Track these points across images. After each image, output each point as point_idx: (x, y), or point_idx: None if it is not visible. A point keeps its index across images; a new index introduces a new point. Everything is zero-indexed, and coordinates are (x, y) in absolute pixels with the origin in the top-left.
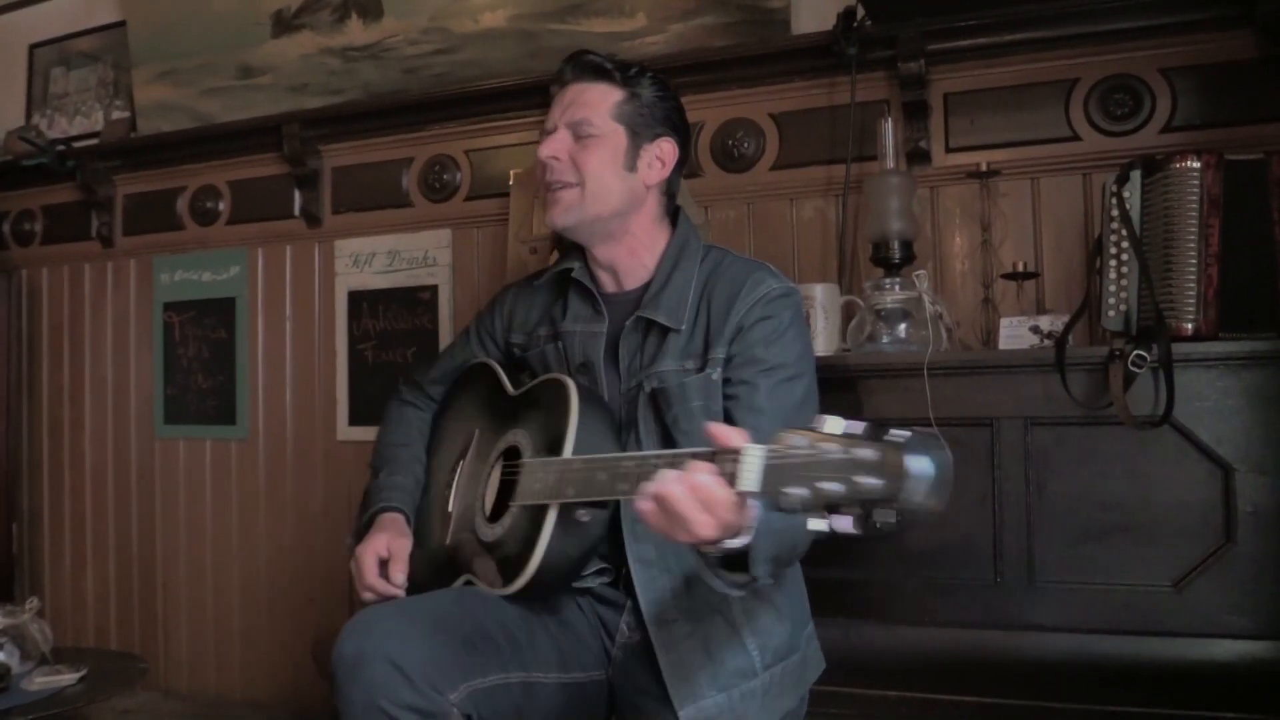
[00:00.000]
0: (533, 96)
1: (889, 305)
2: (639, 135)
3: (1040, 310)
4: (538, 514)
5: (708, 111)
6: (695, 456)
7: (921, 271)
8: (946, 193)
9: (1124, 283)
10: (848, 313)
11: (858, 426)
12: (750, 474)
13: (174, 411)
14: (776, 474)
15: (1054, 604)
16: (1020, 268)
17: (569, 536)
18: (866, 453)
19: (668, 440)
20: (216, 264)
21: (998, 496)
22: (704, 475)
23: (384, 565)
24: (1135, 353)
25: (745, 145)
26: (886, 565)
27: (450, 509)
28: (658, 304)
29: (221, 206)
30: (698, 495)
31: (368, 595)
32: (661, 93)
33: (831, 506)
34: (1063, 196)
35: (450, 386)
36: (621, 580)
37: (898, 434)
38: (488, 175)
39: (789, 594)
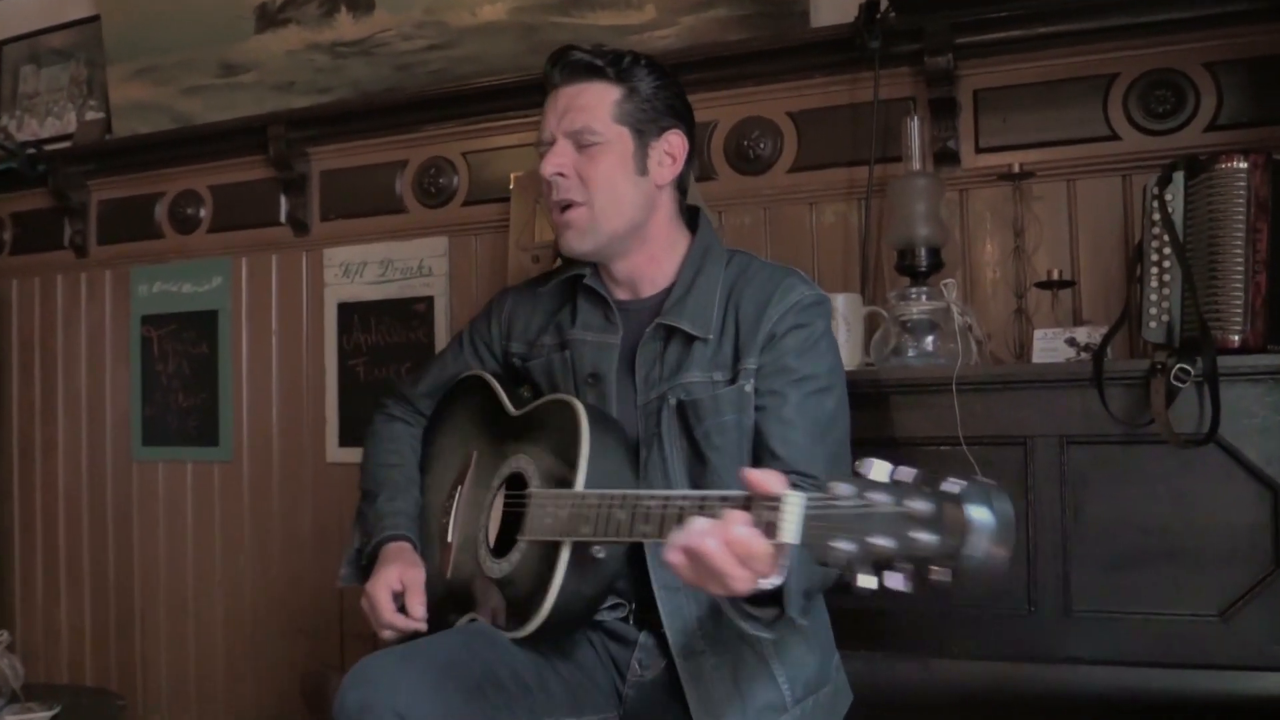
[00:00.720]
0: (534, 95)
1: (915, 316)
2: (644, 133)
3: (1077, 321)
4: (549, 550)
5: (721, 110)
6: (728, 502)
7: (950, 280)
8: (976, 196)
9: (1166, 291)
10: (871, 324)
11: (907, 474)
12: (790, 524)
13: (153, 432)
14: (820, 526)
15: (1091, 635)
16: (1055, 276)
17: (584, 575)
18: (921, 505)
19: (696, 456)
20: (197, 274)
21: (1031, 520)
22: (741, 528)
23: (398, 597)
24: (1178, 366)
25: (761, 146)
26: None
27: (450, 538)
28: (681, 311)
29: (203, 213)
30: (734, 550)
31: (387, 634)
32: (660, 81)
33: (882, 563)
34: (1101, 199)
35: (441, 400)
36: (634, 614)
37: (952, 484)
38: (487, 179)
39: (816, 621)
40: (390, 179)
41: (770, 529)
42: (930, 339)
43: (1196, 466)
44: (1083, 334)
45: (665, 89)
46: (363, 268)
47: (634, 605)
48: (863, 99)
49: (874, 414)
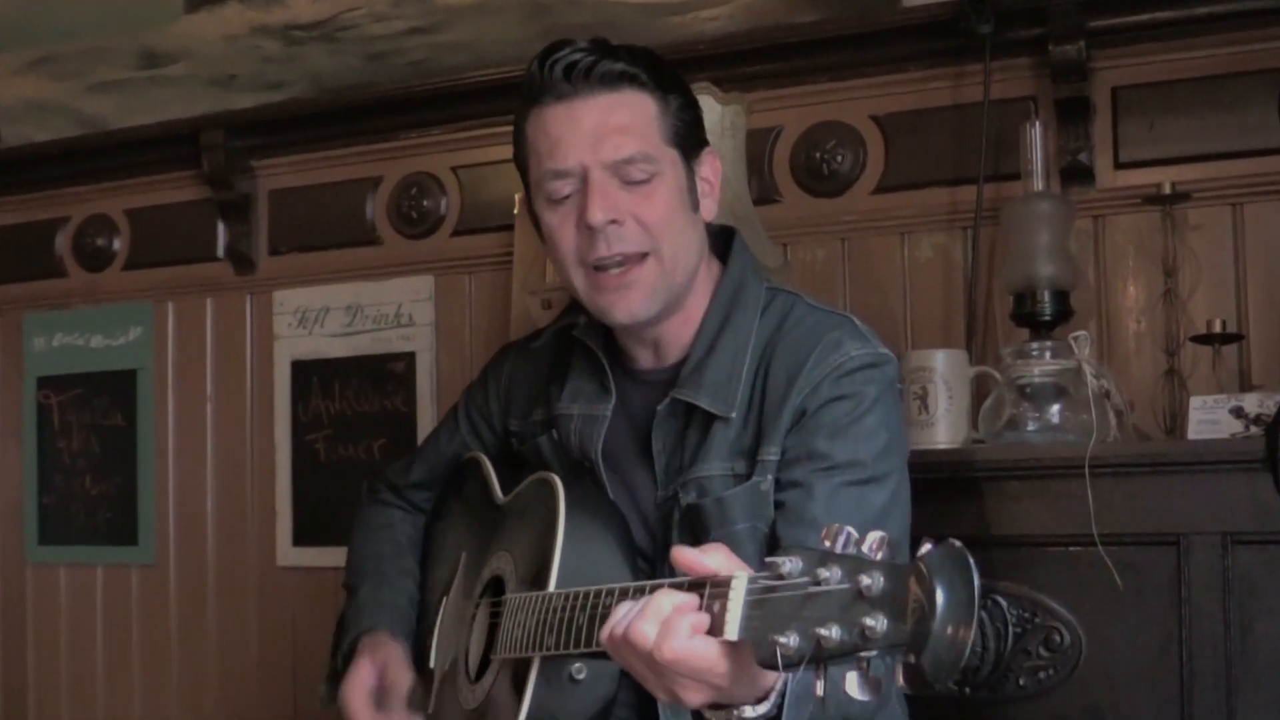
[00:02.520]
0: None
1: (1036, 379)
2: (690, 157)
3: (1244, 386)
4: (521, 670)
5: (788, 113)
6: (679, 588)
7: (1081, 333)
8: (1116, 224)
9: None
10: (980, 389)
11: (877, 538)
12: (733, 615)
13: (53, 527)
14: (765, 615)
15: None
16: (1218, 328)
17: (562, 700)
18: (870, 579)
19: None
20: (111, 324)
21: (1186, 640)
22: (685, 619)
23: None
24: None
25: (839, 159)
26: None
27: (432, 664)
28: (699, 380)
29: (117, 245)
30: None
31: None
32: (686, 87)
33: (835, 659)
34: (1276, 229)
35: (442, 491)
36: None
37: (925, 550)
38: (483, 201)
39: None
40: (359, 201)
41: (718, 622)
42: (1056, 408)
43: None
44: (1252, 402)
45: (691, 97)
46: (324, 315)
47: None
48: (969, 99)
49: (981, 505)
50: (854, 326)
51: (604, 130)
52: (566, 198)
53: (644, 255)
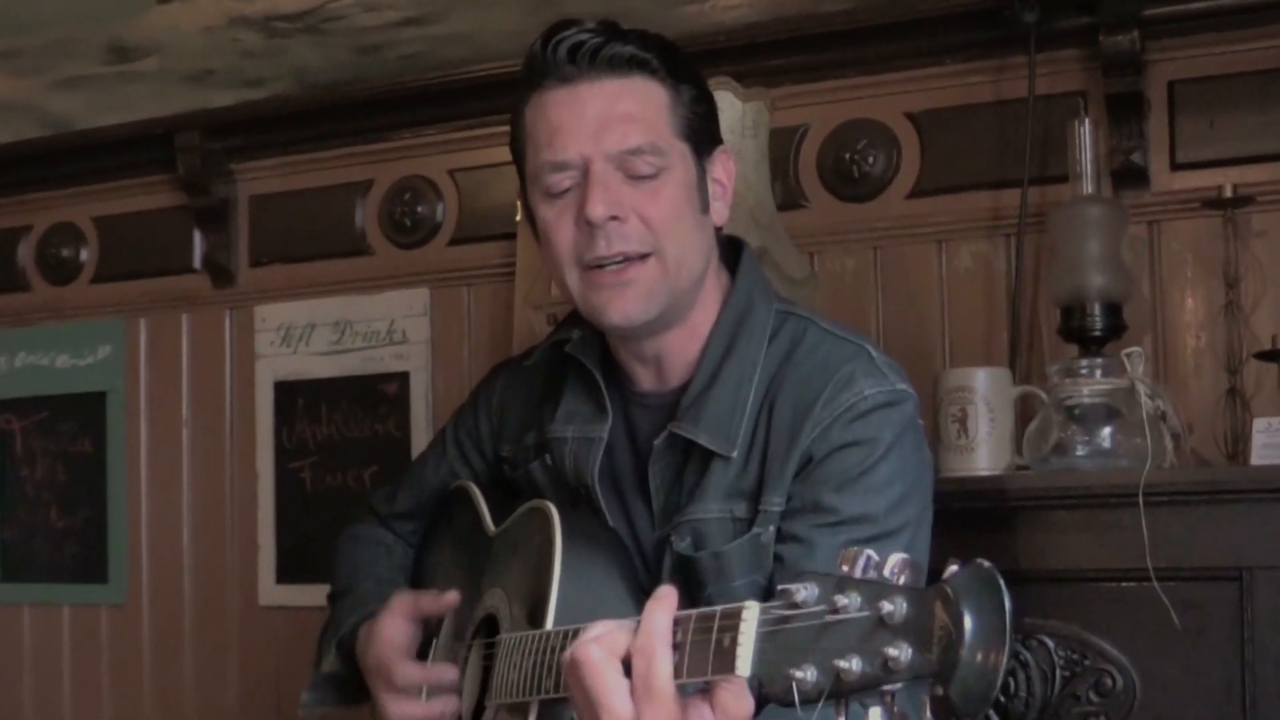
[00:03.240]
0: None
1: (1086, 400)
2: (701, 153)
3: None
4: (519, 717)
5: (815, 110)
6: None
7: (1135, 350)
8: (1173, 231)
9: None
10: (1025, 411)
11: (899, 561)
12: (745, 648)
13: (15, 563)
14: (779, 648)
15: None
16: None
17: None
18: (892, 605)
19: None
20: (78, 342)
21: (1249, 684)
22: (659, 616)
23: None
24: None
25: (870, 160)
26: None
27: None
28: (698, 414)
29: (84, 255)
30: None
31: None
32: (700, 78)
33: (857, 693)
34: None
35: (429, 523)
36: None
37: (951, 572)
38: (483, 207)
39: None
40: (348, 207)
41: (728, 657)
42: (1107, 431)
43: None
44: None
45: (706, 89)
46: (309, 332)
47: None
48: (1013, 94)
49: (1025, 537)
50: (869, 359)
51: (609, 118)
52: (565, 191)
53: (645, 255)
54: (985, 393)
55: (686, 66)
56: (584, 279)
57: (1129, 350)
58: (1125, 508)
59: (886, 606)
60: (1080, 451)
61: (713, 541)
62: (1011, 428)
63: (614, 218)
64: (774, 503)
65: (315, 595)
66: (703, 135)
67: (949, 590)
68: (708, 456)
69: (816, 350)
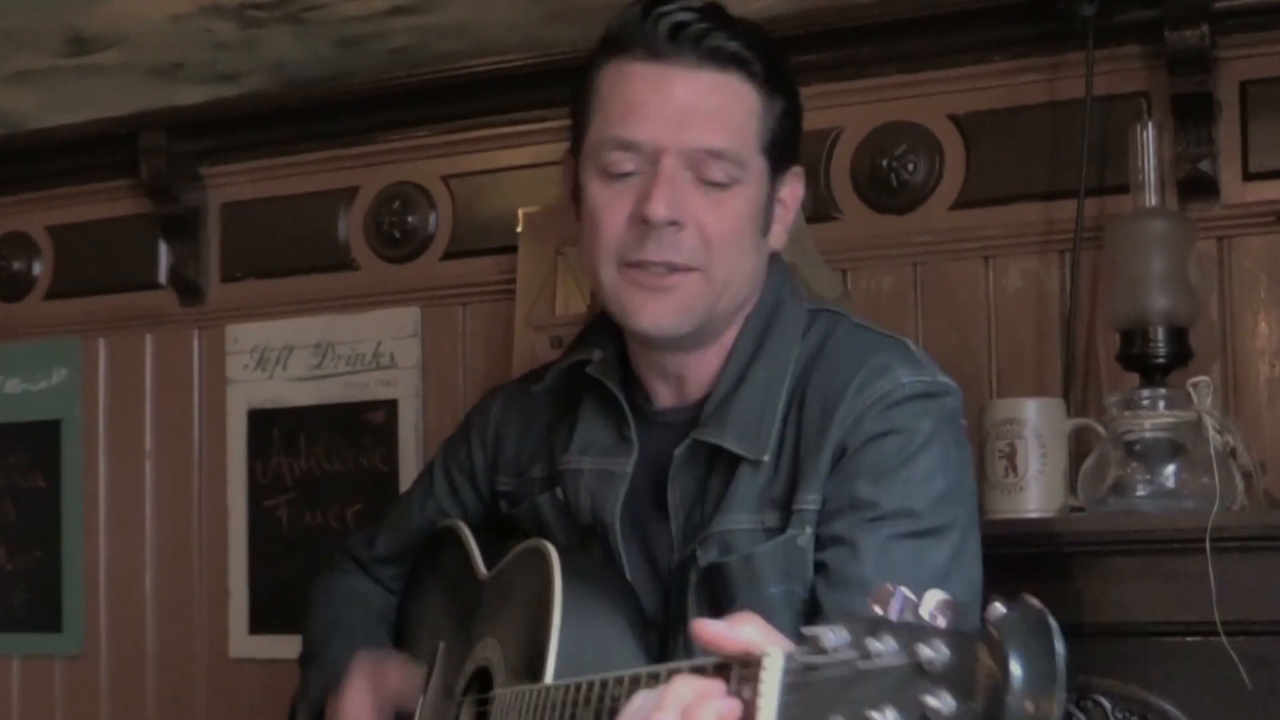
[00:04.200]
0: (554, 86)
1: (1148, 435)
2: (776, 171)
3: None
4: None
5: (849, 112)
6: (700, 670)
7: (1202, 379)
8: (1244, 247)
9: None
10: (1080, 446)
11: (936, 600)
12: (768, 702)
13: None
14: (806, 700)
15: None
16: None
17: None
18: (932, 651)
19: None
20: (30, 365)
21: None
22: (710, 707)
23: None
24: None
25: (910, 168)
26: None
27: None
28: (724, 418)
29: (37, 269)
30: None
31: None
32: (793, 82)
33: None
34: None
35: (414, 567)
36: None
37: (996, 613)
38: (480, 217)
39: None
40: (330, 216)
41: (749, 710)
42: (1171, 469)
43: None
44: None
45: (798, 104)
46: (287, 355)
47: None
48: (1068, 95)
49: (1080, 586)
50: (906, 350)
51: (696, 111)
52: (626, 175)
53: (691, 269)
54: (1036, 426)
55: (786, 75)
56: (621, 274)
57: (1195, 380)
58: (1190, 554)
59: (925, 652)
60: (1141, 492)
61: (742, 550)
62: (1065, 465)
63: (673, 222)
64: (809, 501)
65: (292, 646)
66: (784, 153)
67: (994, 633)
68: (734, 464)
69: (848, 341)
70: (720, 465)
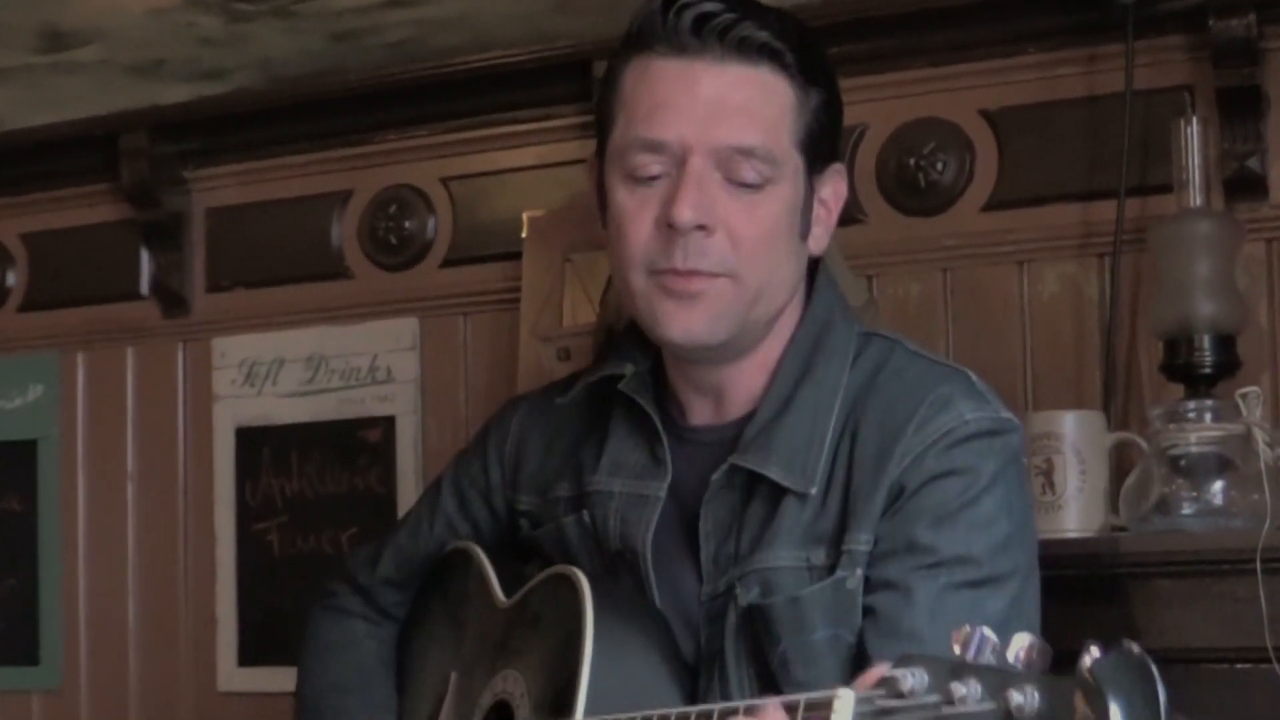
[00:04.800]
0: (559, 82)
1: (1194, 449)
2: (814, 169)
3: None
4: None
5: (874, 108)
6: (752, 713)
7: (1251, 390)
8: None
9: None
10: (1121, 462)
11: (1025, 643)
12: None
13: None
14: None
15: None
16: None
17: None
18: (1024, 698)
19: (775, 694)
20: (3, 381)
21: None
22: None
23: None
24: None
25: (939, 167)
26: None
27: None
28: (768, 444)
29: (12, 279)
30: None
31: None
32: (831, 72)
33: None
34: None
35: (421, 591)
36: None
37: (1093, 657)
38: (482, 222)
39: None
40: (323, 222)
41: None
42: (1219, 486)
43: None
44: None
45: (837, 95)
46: (277, 370)
47: None
48: (1107, 89)
49: (1122, 610)
50: (969, 382)
51: (725, 107)
52: (653, 179)
53: (717, 275)
54: (1075, 440)
55: (822, 65)
56: (651, 281)
57: (1244, 390)
58: (1240, 576)
59: (1016, 698)
60: (1187, 510)
61: (787, 590)
62: (1106, 482)
63: (701, 227)
64: (860, 541)
65: (284, 679)
66: (822, 149)
67: (1091, 679)
68: (777, 495)
69: (905, 372)
70: (760, 495)
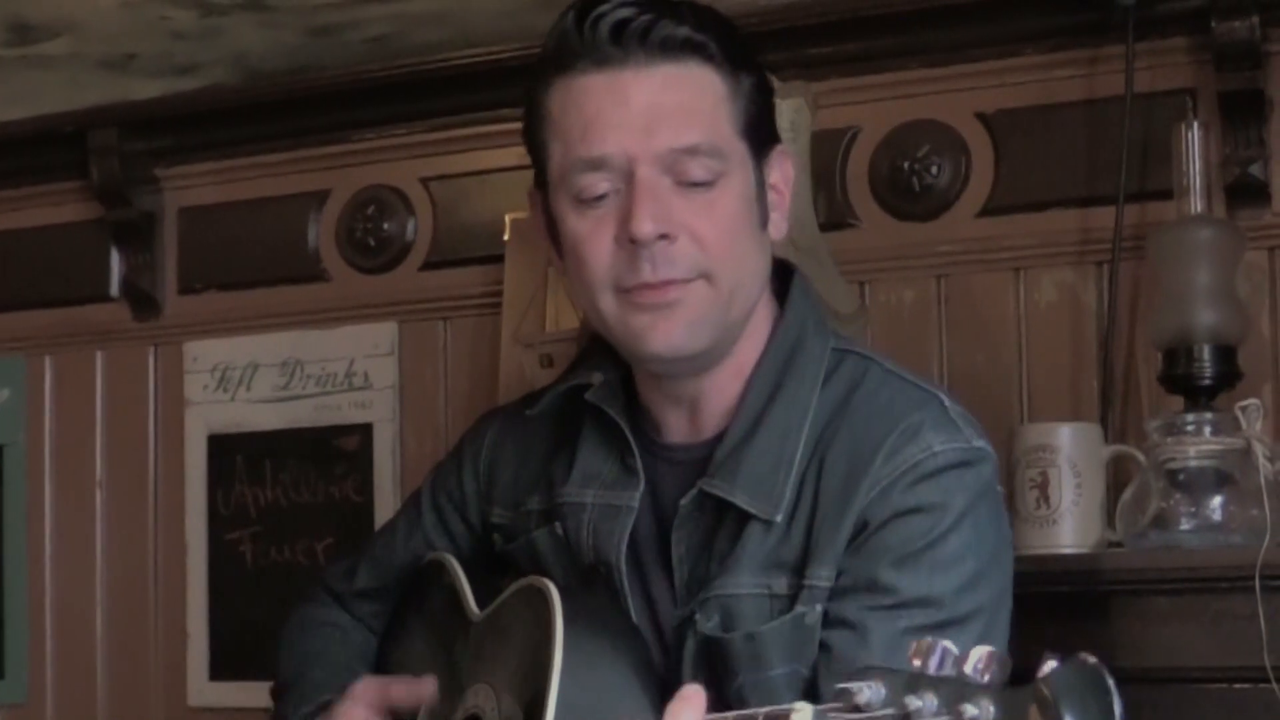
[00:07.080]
0: None
1: (1193, 463)
2: (759, 154)
3: None
4: None
5: (866, 110)
6: None
7: (1252, 402)
8: None
9: None
10: (1118, 476)
11: (983, 656)
12: None
13: None
14: None
15: None
16: None
17: None
18: (977, 710)
19: None
20: None
21: None
22: None
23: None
24: None
25: (934, 171)
26: None
27: None
28: (735, 468)
29: None
30: None
31: None
32: (754, 55)
33: None
34: None
35: (397, 604)
36: None
37: (1049, 669)
38: (463, 224)
39: None
40: (299, 223)
41: None
42: (1218, 501)
43: None
44: None
45: (765, 76)
46: (251, 375)
47: None
48: (1106, 92)
49: (1118, 628)
50: (940, 409)
51: (660, 111)
52: (601, 198)
53: (690, 279)
54: (1071, 453)
55: (745, 49)
56: (621, 300)
57: (1244, 403)
58: (1239, 593)
59: (970, 710)
60: (1185, 525)
61: (746, 621)
62: (1102, 496)
63: (664, 236)
64: (821, 577)
65: (257, 694)
66: (762, 132)
67: (1045, 690)
68: (743, 520)
69: (878, 395)
70: (729, 519)
